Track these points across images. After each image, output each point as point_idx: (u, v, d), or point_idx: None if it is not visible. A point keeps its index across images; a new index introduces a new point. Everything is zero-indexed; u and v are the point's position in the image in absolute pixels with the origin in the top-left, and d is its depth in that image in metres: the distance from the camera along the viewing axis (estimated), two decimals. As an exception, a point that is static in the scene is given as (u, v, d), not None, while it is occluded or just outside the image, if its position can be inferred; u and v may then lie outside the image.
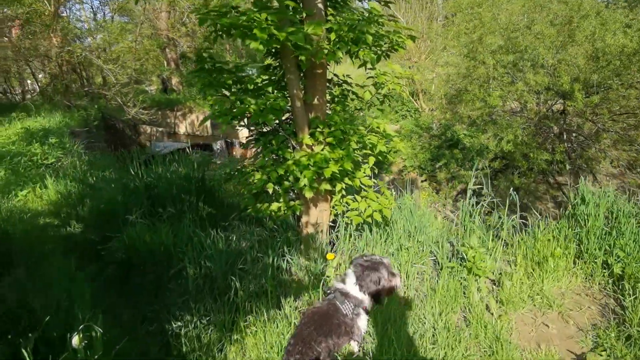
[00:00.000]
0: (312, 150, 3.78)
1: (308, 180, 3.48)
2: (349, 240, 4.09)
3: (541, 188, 13.90)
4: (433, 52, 17.08)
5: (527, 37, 10.90)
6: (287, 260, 3.79)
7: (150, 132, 21.31)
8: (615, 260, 3.74)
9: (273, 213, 4.00)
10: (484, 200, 4.71)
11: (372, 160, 4.14)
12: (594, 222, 4.02)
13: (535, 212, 4.74)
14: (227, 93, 3.92)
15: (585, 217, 4.15)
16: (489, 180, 12.63)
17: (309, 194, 3.56)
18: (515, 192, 4.86)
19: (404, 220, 4.38)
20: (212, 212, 5.18)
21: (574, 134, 11.33)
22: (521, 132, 10.59)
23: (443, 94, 14.83)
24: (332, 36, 3.37)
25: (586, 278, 3.89)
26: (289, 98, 3.87)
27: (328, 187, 3.86)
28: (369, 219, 3.96)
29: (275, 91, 4.18)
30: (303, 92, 3.85)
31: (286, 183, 3.93)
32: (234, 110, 3.65)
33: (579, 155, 11.37)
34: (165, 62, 28.31)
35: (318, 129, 3.84)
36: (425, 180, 16.37)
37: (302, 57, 3.30)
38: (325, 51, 3.32)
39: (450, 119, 13.67)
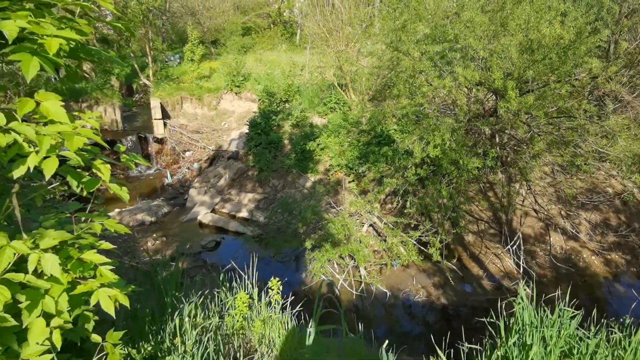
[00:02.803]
0: None
1: None
2: None
3: (473, 187, 12.74)
4: (360, 41, 15.47)
5: (457, 25, 9.46)
6: None
7: (45, 128, 18.61)
8: None
9: None
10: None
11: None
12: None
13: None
14: None
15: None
16: (415, 187, 11.33)
17: None
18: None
19: None
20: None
21: (506, 136, 10.07)
22: (449, 136, 9.16)
23: (365, 88, 13.30)
24: None
25: None
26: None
27: None
28: None
29: None
30: None
31: None
32: None
33: (512, 161, 10.13)
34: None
35: None
36: (353, 180, 14.92)
37: None
38: None
39: (374, 117, 12.11)
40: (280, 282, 4.23)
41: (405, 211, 10.67)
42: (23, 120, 1.96)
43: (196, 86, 22.09)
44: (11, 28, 1.84)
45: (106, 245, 2.12)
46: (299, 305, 4.74)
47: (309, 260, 10.45)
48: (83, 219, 2.23)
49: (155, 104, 20.01)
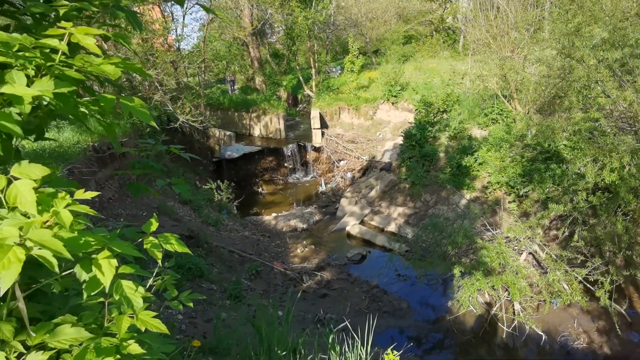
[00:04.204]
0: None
1: None
2: None
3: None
4: (526, 46, 14.02)
5: (638, 28, 7.95)
6: None
7: (218, 135, 20.72)
8: None
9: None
10: None
11: None
12: None
13: None
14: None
15: None
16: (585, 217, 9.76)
17: None
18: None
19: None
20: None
21: None
22: (629, 159, 7.71)
23: (532, 98, 11.95)
24: None
25: None
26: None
27: None
28: None
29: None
30: None
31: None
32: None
33: None
34: (249, 61, 27.83)
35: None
36: (514, 201, 13.57)
37: None
38: None
39: (541, 131, 10.79)
40: (398, 356, 3.76)
41: (571, 244, 9.31)
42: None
43: (354, 96, 22.47)
44: None
45: (135, 347, 1.70)
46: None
47: (457, 287, 9.73)
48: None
49: (314, 114, 20.86)
